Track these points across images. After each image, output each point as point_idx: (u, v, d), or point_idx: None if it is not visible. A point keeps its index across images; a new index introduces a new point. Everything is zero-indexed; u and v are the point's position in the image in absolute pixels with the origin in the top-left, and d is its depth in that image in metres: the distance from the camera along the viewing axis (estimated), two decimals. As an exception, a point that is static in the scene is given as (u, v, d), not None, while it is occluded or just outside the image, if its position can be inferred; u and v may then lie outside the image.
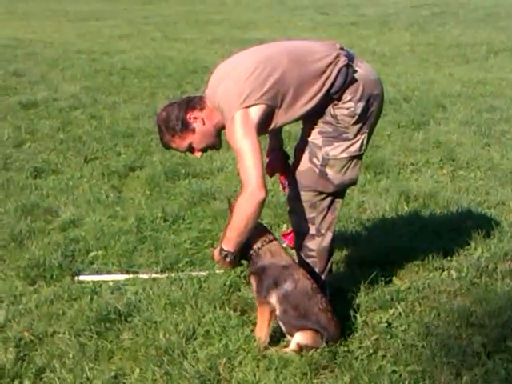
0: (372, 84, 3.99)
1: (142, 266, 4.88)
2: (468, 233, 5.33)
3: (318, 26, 21.44)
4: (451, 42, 17.15)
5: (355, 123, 3.94)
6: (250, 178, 3.66)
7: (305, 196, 4.04)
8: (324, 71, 3.88)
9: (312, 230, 4.07)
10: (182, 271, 4.79)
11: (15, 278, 4.70)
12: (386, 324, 4.06)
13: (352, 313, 4.15)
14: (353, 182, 4.11)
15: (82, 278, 4.69)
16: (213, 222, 5.67)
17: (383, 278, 4.58)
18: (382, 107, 4.12)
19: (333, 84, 3.87)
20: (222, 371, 3.62)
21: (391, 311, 4.19)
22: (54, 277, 4.69)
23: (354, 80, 3.91)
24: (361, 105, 3.92)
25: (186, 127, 3.90)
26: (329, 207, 4.07)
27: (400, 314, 4.17)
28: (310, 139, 3.99)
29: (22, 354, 3.77)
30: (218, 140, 4.01)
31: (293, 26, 21.47)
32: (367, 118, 3.98)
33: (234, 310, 4.21)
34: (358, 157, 4.01)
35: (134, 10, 28.19)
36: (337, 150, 3.96)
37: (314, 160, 3.98)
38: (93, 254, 5.09)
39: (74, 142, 8.10)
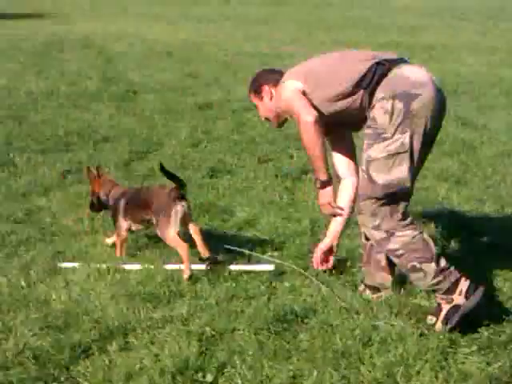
0: (409, 83, 4.05)
1: (316, 269, 4.92)
2: None
3: (490, 31, 20.86)
4: None
5: (391, 121, 4.01)
6: (297, 112, 4.22)
7: (363, 206, 4.15)
8: (358, 68, 4.19)
9: (382, 234, 4.14)
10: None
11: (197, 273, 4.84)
12: None
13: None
14: (402, 183, 4.07)
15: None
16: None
17: None
18: (435, 111, 4.09)
19: (364, 76, 4.14)
20: (399, 379, 3.60)
21: None
22: (232, 274, 4.81)
23: (386, 76, 4.11)
24: (392, 102, 4.01)
25: (257, 93, 4.60)
26: (391, 211, 4.10)
27: None
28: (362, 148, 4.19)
29: (204, 349, 3.88)
30: (277, 122, 4.66)
31: (464, 32, 21.03)
32: (406, 118, 4.00)
33: (410, 318, 4.18)
34: (400, 155, 4.02)
35: (302, 14, 28.47)
36: (376, 151, 4.06)
37: (362, 166, 4.15)
38: (268, 254, 5.18)
39: (248, 143, 8.29)
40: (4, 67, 13.61)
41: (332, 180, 4.37)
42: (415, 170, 4.14)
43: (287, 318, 4.19)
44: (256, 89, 4.58)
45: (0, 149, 7.82)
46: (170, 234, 4.79)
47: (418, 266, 4.08)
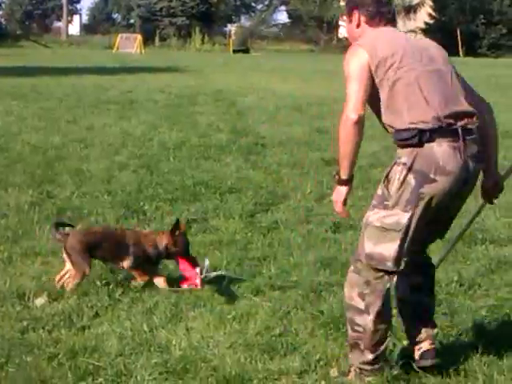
0: (435, 168, 3.82)
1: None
2: None
3: None
4: None
5: (398, 192, 3.83)
6: (348, 102, 3.85)
7: (356, 265, 4.04)
8: (414, 116, 3.85)
9: (360, 305, 4.01)
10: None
11: (311, 329, 4.87)
12: None
13: None
14: (384, 261, 3.91)
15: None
16: (511, 291, 5.52)
17: None
18: (448, 199, 3.91)
19: (402, 130, 3.86)
20: None
21: None
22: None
23: (416, 147, 3.83)
24: (407, 174, 3.82)
25: (348, 13, 4.20)
26: (380, 290, 3.98)
27: None
28: None
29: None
30: None
31: None
32: (413, 197, 3.82)
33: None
34: (392, 233, 3.86)
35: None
36: (373, 216, 3.93)
37: (362, 224, 4.06)
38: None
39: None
40: (140, 118, 14.17)
41: (352, 183, 4.04)
42: (416, 246, 4.04)
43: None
44: (348, 9, 4.21)
45: (132, 197, 8.12)
46: None
47: (361, 347, 4.05)
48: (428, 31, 56.98)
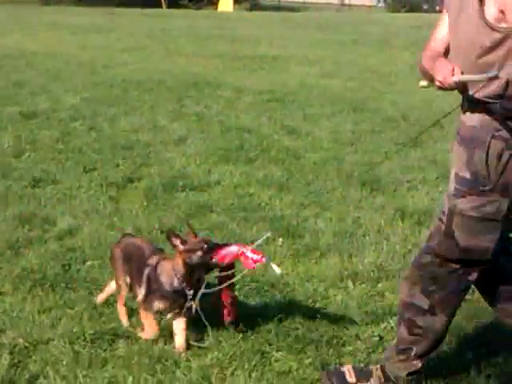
0: None
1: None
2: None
3: (319, 43, 21.58)
4: (451, 61, 17.21)
5: (500, 174, 3.17)
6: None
7: (426, 260, 3.43)
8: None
9: (424, 304, 3.45)
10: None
11: (11, 286, 4.72)
12: (378, 338, 4.10)
13: (345, 326, 4.19)
14: (480, 254, 3.31)
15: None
16: (209, 234, 5.71)
17: (376, 293, 4.64)
18: None
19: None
20: (214, 381, 3.65)
21: (383, 325, 4.23)
22: (50, 285, 4.71)
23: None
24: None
25: None
26: (454, 287, 3.41)
27: (392, 327, 4.19)
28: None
29: (16, 361, 3.79)
30: None
31: (295, 43, 21.64)
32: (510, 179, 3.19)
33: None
34: (493, 222, 3.24)
35: (136, 24, 28.38)
36: (468, 204, 3.25)
37: (441, 215, 3.38)
38: (89, 263, 5.11)
39: (74, 152, 8.14)
40: None
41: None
42: None
43: (104, 326, 4.16)
44: None
45: None
46: None
47: (412, 353, 3.53)
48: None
